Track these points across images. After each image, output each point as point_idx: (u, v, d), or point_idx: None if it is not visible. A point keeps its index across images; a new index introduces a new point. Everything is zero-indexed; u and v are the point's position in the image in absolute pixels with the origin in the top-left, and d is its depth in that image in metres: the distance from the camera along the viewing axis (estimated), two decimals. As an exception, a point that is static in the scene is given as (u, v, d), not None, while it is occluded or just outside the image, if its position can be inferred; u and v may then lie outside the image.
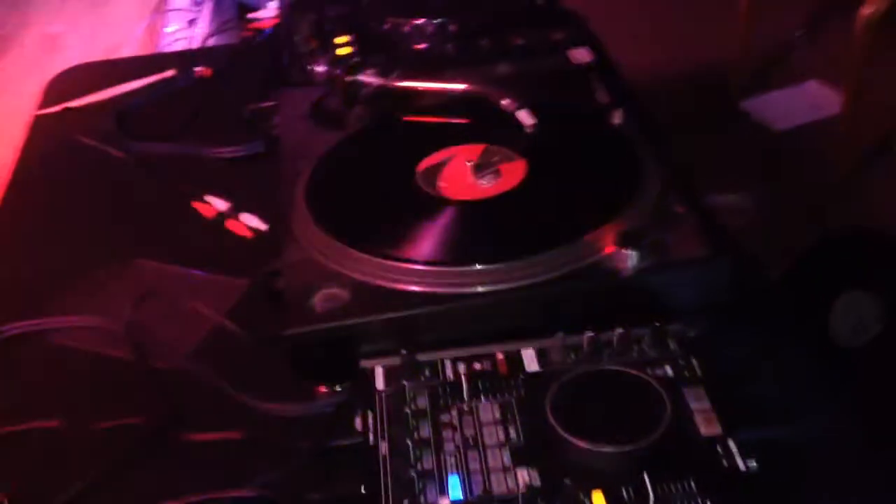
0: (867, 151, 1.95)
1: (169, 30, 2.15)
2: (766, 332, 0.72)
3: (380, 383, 0.66)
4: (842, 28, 1.98)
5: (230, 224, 0.90)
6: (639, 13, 2.48)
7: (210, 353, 0.75)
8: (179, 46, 1.97)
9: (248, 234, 0.88)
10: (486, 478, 0.59)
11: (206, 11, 2.11)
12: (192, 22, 2.13)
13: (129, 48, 2.27)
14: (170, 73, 1.16)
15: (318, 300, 0.70)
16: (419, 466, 0.60)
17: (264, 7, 1.73)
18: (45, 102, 1.14)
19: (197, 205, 0.92)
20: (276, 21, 1.15)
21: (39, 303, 0.80)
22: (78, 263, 0.85)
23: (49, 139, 1.06)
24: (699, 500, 0.56)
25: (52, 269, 0.85)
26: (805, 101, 2.15)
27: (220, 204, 0.92)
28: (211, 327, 0.77)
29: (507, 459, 0.60)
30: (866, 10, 1.76)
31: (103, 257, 0.86)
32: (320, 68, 0.92)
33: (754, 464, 0.58)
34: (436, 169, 0.80)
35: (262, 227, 0.88)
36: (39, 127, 1.09)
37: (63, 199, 0.97)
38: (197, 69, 1.15)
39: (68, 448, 0.68)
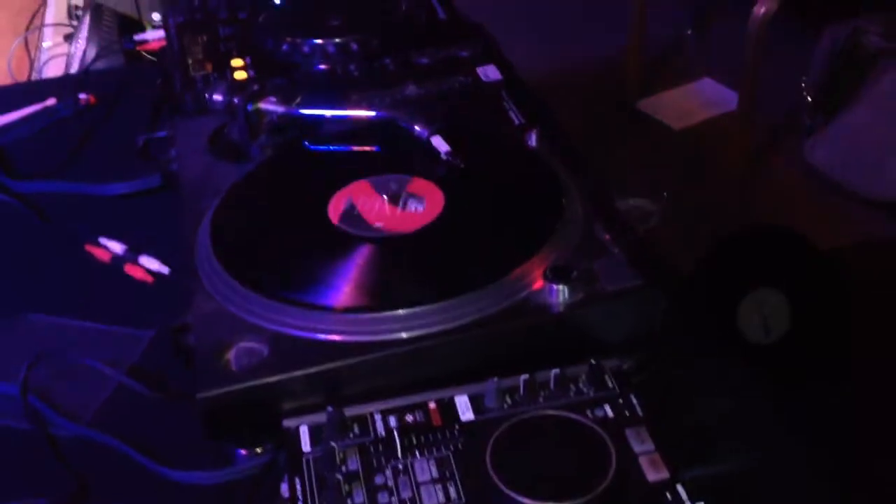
0: (763, 146, 1.99)
1: (46, 45, 2.04)
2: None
3: (305, 445, 0.62)
4: (729, 26, 2.01)
5: (129, 269, 0.83)
6: (527, 14, 2.48)
7: (114, 415, 0.69)
8: (56, 65, 1.87)
9: (149, 278, 0.82)
10: (427, 544, 0.55)
11: (84, 27, 2.01)
12: (68, 37, 2.03)
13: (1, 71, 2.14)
14: (51, 101, 1.09)
15: (233, 356, 0.65)
16: (356, 538, 0.56)
17: (151, 24, 1.65)
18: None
19: (91, 248, 0.86)
20: (164, 43, 1.08)
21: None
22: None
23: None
24: (652, 554, 0.54)
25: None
26: (701, 99, 2.18)
27: (116, 247, 0.85)
28: (114, 387, 0.71)
29: (448, 523, 0.57)
30: (760, 9, 1.79)
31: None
32: (218, 97, 0.86)
33: (704, 508, 0.57)
34: (348, 203, 0.76)
35: (164, 270, 0.82)
36: None
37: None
38: (81, 96, 1.08)
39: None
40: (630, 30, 2.19)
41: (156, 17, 1.53)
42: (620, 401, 0.63)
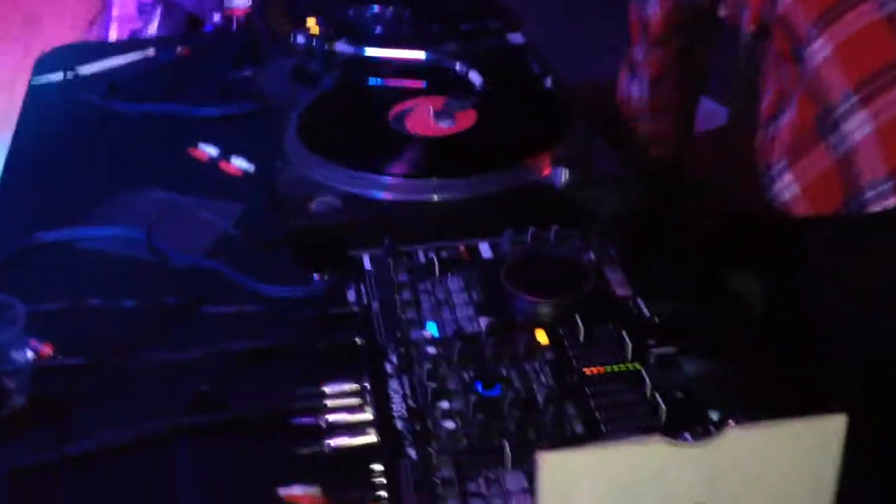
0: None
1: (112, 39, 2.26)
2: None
3: (367, 265, 0.84)
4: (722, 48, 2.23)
5: (223, 165, 1.06)
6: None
7: (220, 254, 0.91)
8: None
9: (240, 173, 1.05)
10: (456, 323, 0.77)
11: (155, 20, 2.24)
12: (134, 32, 2.25)
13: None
14: (151, 51, 1.32)
15: (314, 204, 0.88)
16: (405, 316, 0.77)
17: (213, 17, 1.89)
18: (37, 75, 1.28)
19: (193, 151, 1.08)
20: (248, 9, 1.32)
21: (71, 219, 0.95)
22: (98, 194, 1.00)
23: (51, 104, 1.20)
24: (618, 335, 0.75)
25: (77, 198, 0.99)
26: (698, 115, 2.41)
27: (212, 150, 1.08)
28: (216, 236, 0.93)
29: (471, 311, 0.78)
30: (748, 29, 2.01)
31: (119, 190, 1.01)
32: (301, 38, 1.09)
33: (657, 318, 0.78)
34: (404, 114, 0.99)
35: (251, 167, 1.05)
36: (37, 95, 1.23)
37: (75, 148, 1.11)
38: (177, 48, 1.31)
39: (108, 320, 0.83)
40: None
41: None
42: (603, 251, 0.85)
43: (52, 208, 0.99)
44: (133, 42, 1.50)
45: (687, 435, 0.49)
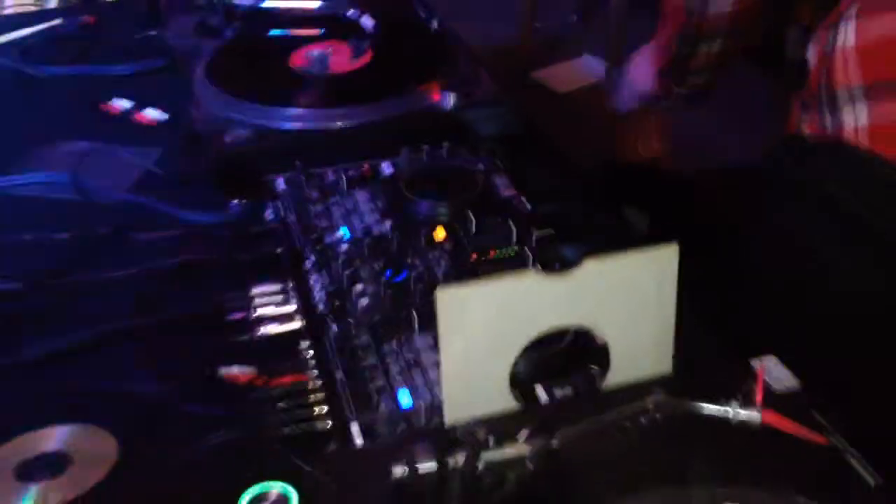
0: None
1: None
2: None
3: (281, 186, 0.93)
4: (604, 13, 2.39)
5: (138, 117, 1.13)
6: None
7: (143, 191, 0.99)
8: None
9: (153, 122, 1.12)
10: (365, 227, 0.87)
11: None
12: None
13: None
14: (58, 20, 1.37)
15: (229, 137, 0.96)
16: (319, 224, 0.87)
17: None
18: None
19: (105, 105, 1.15)
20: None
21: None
22: (18, 148, 1.06)
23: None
24: (505, 225, 0.86)
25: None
26: (581, 71, 2.57)
27: (125, 103, 1.15)
28: (139, 174, 1.01)
29: (377, 217, 0.88)
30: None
31: (39, 143, 1.07)
32: (201, -4, 1.18)
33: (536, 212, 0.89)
34: (303, 55, 1.09)
35: (164, 116, 1.13)
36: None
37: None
38: (82, 17, 1.37)
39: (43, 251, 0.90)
40: (522, 17, 2.58)
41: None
42: (489, 161, 0.96)
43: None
44: (40, 13, 1.54)
45: (553, 265, 0.60)
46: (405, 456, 0.58)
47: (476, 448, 0.56)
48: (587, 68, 2.59)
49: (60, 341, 0.78)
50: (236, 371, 0.75)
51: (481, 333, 0.60)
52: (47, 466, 0.67)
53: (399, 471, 0.57)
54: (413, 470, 0.57)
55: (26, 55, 1.25)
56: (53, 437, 0.68)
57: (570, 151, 1.26)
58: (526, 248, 0.81)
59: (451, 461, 0.57)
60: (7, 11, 2.26)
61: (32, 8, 2.21)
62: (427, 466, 0.57)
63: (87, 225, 0.93)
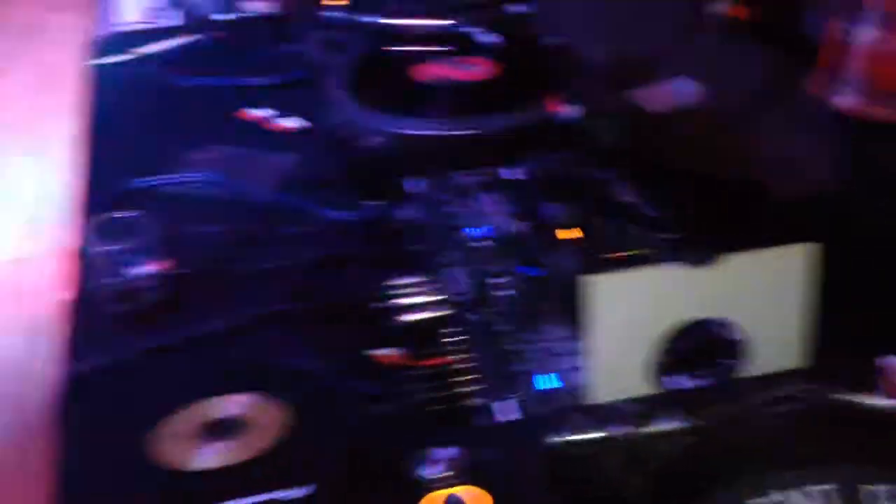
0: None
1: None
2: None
3: (414, 188, 1.01)
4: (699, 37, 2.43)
5: (274, 125, 1.23)
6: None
7: (284, 191, 1.08)
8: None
9: (289, 130, 1.22)
10: (497, 227, 0.94)
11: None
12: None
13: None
14: (195, 35, 1.48)
15: (368, 142, 1.05)
16: (452, 224, 0.94)
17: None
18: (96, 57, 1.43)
19: (244, 114, 1.25)
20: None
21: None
22: (169, 152, 1.16)
23: (117, 80, 1.36)
24: (632, 228, 0.92)
25: (151, 156, 1.16)
26: (674, 92, 2.63)
27: (263, 112, 1.25)
28: (281, 178, 1.10)
29: (507, 218, 0.95)
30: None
31: (187, 147, 1.17)
32: (330, 14, 1.27)
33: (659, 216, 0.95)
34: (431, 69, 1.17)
35: (300, 125, 1.22)
36: (101, 73, 1.39)
37: (144, 116, 1.27)
38: (216, 33, 1.48)
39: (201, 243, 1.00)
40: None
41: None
42: (612, 169, 1.02)
43: (132, 164, 1.15)
44: (176, 27, 1.65)
45: (697, 258, 0.66)
46: (557, 429, 0.65)
47: (628, 423, 0.63)
48: (680, 91, 2.64)
49: (232, 319, 0.87)
50: (387, 353, 0.82)
51: (626, 320, 0.67)
52: (227, 429, 0.75)
53: (553, 442, 0.64)
54: (568, 441, 0.63)
55: (170, 66, 1.36)
56: (233, 404, 0.77)
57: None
58: (658, 248, 0.87)
59: (601, 434, 0.63)
60: (122, 28, 2.40)
61: (149, 25, 2.35)
62: (582, 438, 0.64)
63: (239, 220, 1.03)
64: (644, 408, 0.66)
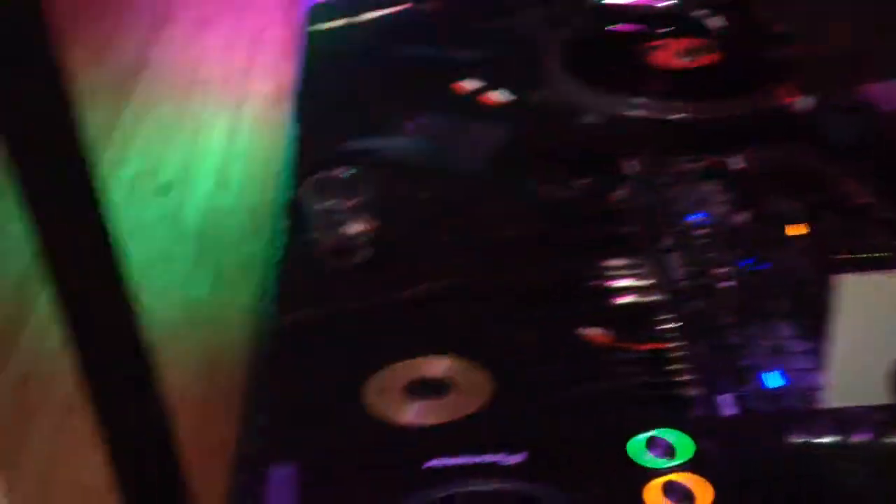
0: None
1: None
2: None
3: (631, 170, 0.97)
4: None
5: (484, 98, 1.22)
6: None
7: (493, 164, 1.06)
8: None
9: (500, 103, 1.20)
10: (719, 215, 0.90)
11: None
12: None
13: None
14: (407, 5, 1.50)
15: (583, 120, 1.03)
16: (672, 208, 0.90)
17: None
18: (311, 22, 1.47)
19: (456, 85, 1.24)
20: None
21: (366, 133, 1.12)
22: (381, 118, 1.17)
23: (331, 47, 1.38)
24: (867, 228, 0.85)
25: (366, 120, 1.17)
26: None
27: (474, 84, 1.24)
28: (490, 149, 1.09)
29: (728, 207, 0.91)
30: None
31: (399, 114, 1.18)
32: None
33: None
34: (652, 50, 1.13)
35: (510, 98, 1.20)
36: (316, 39, 1.42)
37: (359, 81, 1.28)
38: (429, 3, 1.48)
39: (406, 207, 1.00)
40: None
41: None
42: (845, 165, 0.96)
43: (344, 127, 1.17)
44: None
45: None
46: (788, 429, 0.61)
47: (870, 431, 0.58)
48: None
49: (438, 285, 0.86)
50: (596, 333, 0.80)
51: (873, 323, 0.62)
52: (431, 389, 0.74)
53: (788, 442, 0.60)
54: (806, 444, 0.59)
55: (384, 35, 1.38)
56: (438, 366, 0.76)
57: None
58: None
59: (840, 440, 0.59)
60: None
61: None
62: (820, 441, 0.59)
63: (447, 190, 1.02)
64: (886, 416, 0.61)
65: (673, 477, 0.60)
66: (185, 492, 0.48)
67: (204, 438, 0.83)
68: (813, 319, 0.70)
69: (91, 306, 0.44)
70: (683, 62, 1.10)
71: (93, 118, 0.64)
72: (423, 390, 0.74)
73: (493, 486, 0.59)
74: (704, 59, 1.11)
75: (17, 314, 0.60)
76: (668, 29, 1.17)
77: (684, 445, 0.62)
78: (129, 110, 0.99)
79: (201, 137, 1.19)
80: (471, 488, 0.59)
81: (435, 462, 0.65)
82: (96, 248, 0.45)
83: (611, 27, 1.20)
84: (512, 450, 0.65)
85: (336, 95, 1.26)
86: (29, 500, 0.57)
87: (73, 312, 0.44)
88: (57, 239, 0.44)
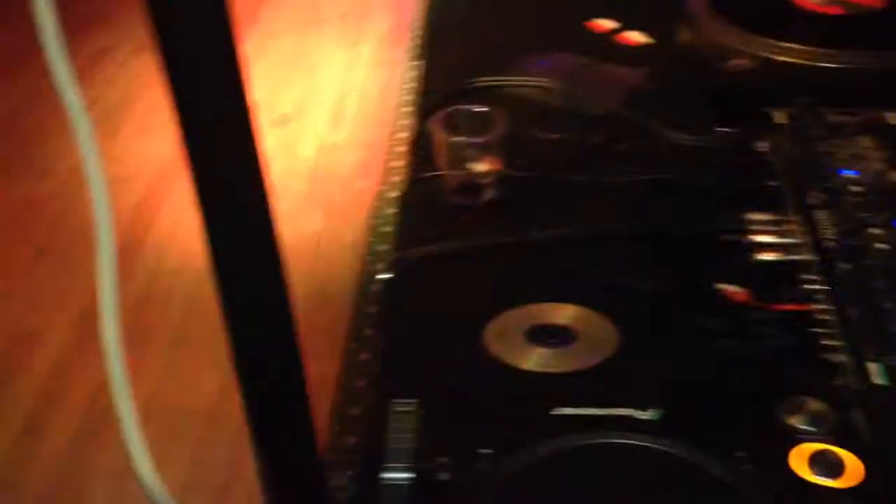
0: None
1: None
2: None
3: (779, 120, 0.91)
4: None
5: (621, 37, 1.16)
6: None
7: (629, 107, 1.01)
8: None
9: (639, 43, 1.15)
10: (874, 172, 0.83)
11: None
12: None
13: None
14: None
15: (731, 65, 0.96)
16: (823, 162, 0.84)
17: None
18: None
19: (591, 24, 1.19)
20: None
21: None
22: (512, 53, 1.13)
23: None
24: None
25: (493, 56, 1.13)
26: None
27: (611, 23, 1.18)
28: (627, 89, 1.04)
29: (884, 165, 0.84)
30: None
31: (530, 51, 1.14)
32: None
33: None
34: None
35: (648, 39, 1.14)
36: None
37: (484, 18, 1.25)
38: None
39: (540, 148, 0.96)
40: None
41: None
42: None
43: (476, 63, 1.13)
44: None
45: None
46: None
47: None
48: None
49: (566, 229, 0.83)
50: (732, 289, 0.75)
51: None
52: (554, 336, 0.71)
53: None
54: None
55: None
56: (562, 313, 0.73)
57: None
58: None
59: None
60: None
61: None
62: None
63: (579, 130, 0.98)
64: None
65: (824, 446, 0.55)
66: (309, 412, 0.47)
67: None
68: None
69: (237, 226, 0.43)
70: (846, 6, 1.02)
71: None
72: (544, 337, 0.71)
73: (629, 439, 0.56)
74: (869, 3, 1.03)
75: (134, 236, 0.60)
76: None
77: (830, 414, 0.58)
78: (251, 42, 0.99)
79: (318, 74, 1.18)
80: (603, 440, 0.56)
81: (563, 410, 0.62)
82: (249, 169, 0.44)
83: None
84: (645, 404, 0.61)
85: (464, 30, 1.23)
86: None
87: (219, 227, 0.43)
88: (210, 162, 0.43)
